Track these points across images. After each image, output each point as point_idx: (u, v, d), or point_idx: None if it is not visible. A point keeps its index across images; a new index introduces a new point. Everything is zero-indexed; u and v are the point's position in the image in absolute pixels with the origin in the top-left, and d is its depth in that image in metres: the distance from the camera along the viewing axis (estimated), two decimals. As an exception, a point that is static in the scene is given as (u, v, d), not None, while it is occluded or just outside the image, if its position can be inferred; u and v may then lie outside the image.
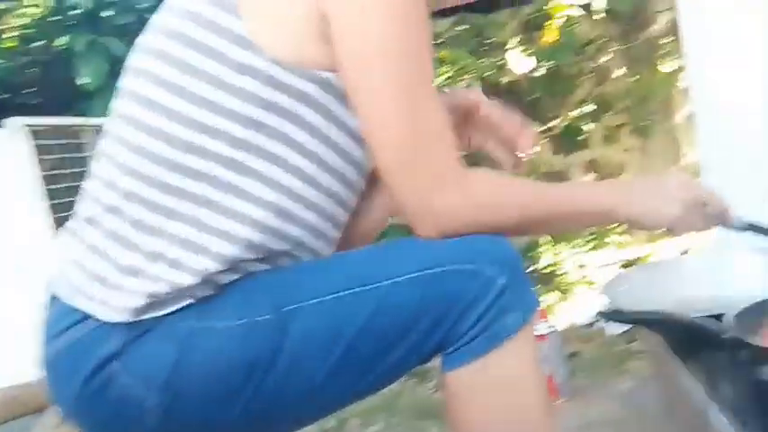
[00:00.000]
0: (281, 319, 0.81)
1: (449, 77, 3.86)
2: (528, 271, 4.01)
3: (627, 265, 4.22)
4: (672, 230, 0.94)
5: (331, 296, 0.82)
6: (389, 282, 0.81)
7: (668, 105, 4.36)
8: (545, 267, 4.02)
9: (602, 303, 1.32)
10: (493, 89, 3.90)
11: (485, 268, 0.81)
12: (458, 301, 0.81)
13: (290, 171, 0.85)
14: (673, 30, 4.11)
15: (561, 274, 4.00)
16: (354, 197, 0.95)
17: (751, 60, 1.68)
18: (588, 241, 4.21)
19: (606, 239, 4.20)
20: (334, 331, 0.81)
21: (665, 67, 4.11)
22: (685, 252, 4.25)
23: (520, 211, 0.88)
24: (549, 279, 3.97)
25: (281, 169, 0.85)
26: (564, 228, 1.26)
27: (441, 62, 3.75)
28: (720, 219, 0.97)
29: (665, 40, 4.18)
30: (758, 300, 1.12)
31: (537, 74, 4.12)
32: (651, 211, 0.91)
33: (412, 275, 0.81)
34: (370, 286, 0.81)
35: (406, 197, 0.85)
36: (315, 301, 0.82)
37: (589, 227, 1.14)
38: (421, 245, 0.85)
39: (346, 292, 0.82)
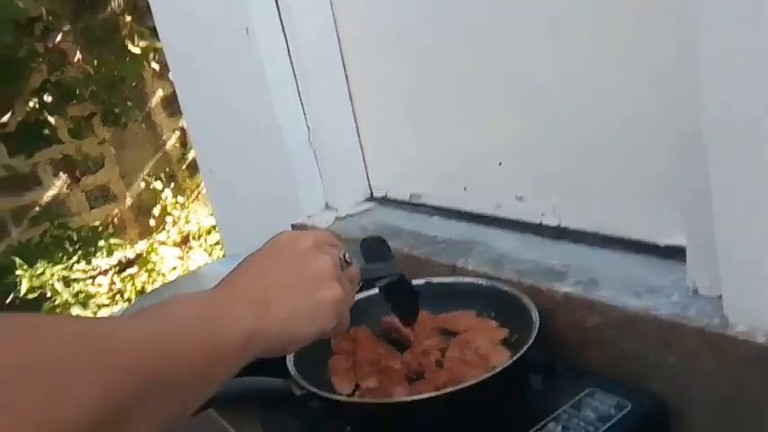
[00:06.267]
0: None
1: None
2: (8, 301, 3.27)
3: (126, 267, 3.81)
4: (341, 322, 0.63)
5: None
6: None
7: (141, 89, 4.01)
8: (27, 293, 3.34)
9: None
10: None
11: None
12: None
13: None
14: (134, 7, 3.76)
15: (49, 298, 3.37)
16: None
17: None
18: (74, 251, 3.66)
19: (93, 246, 3.71)
20: None
21: (134, 47, 3.74)
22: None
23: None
24: (35, 306, 3.31)
25: None
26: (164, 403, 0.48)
27: None
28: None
29: (128, 19, 3.80)
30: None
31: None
32: (305, 307, 0.58)
33: None
34: None
35: None
36: None
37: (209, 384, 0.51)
38: None
39: None
